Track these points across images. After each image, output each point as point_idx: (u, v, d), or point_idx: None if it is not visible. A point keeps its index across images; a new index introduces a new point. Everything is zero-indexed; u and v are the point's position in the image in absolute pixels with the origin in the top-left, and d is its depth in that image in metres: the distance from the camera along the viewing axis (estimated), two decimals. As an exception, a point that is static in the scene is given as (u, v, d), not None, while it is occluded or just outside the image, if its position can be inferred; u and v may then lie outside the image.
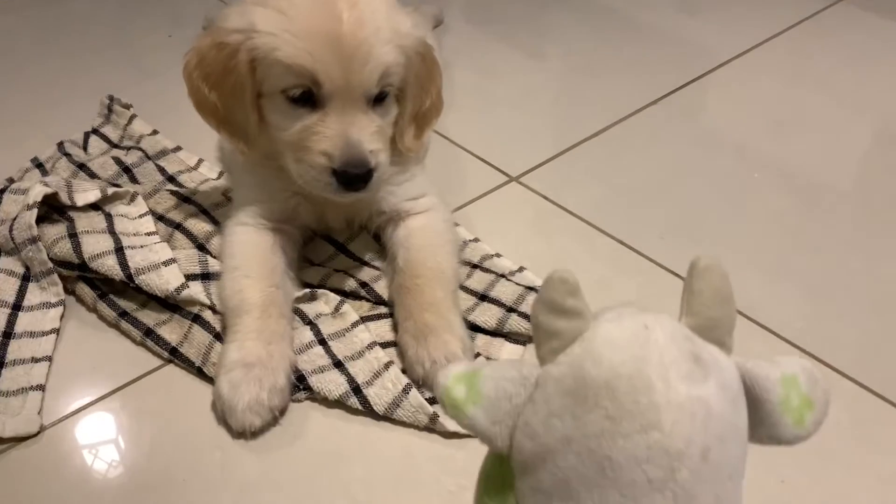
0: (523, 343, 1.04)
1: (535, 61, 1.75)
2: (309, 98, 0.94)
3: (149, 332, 1.02)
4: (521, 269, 1.14)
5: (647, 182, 1.36)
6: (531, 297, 1.06)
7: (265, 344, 0.94)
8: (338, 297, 1.06)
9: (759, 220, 1.28)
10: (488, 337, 1.04)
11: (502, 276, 1.11)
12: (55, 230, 1.08)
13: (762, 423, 0.58)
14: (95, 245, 1.06)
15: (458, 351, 0.95)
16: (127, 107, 1.41)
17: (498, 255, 1.17)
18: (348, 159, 0.94)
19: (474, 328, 1.04)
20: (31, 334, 1.02)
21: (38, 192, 1.08)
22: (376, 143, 0.96)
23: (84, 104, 1.46)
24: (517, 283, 1.09)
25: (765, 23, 1.85)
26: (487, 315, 1.04)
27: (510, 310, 1.05)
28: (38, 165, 1.29)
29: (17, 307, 1.04)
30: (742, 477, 0.56)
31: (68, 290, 1.09)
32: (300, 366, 0.97)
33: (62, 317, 1.06)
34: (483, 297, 1.07)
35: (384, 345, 1.01)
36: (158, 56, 1.70)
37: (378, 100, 0.98)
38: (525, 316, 1.03)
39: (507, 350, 1.02)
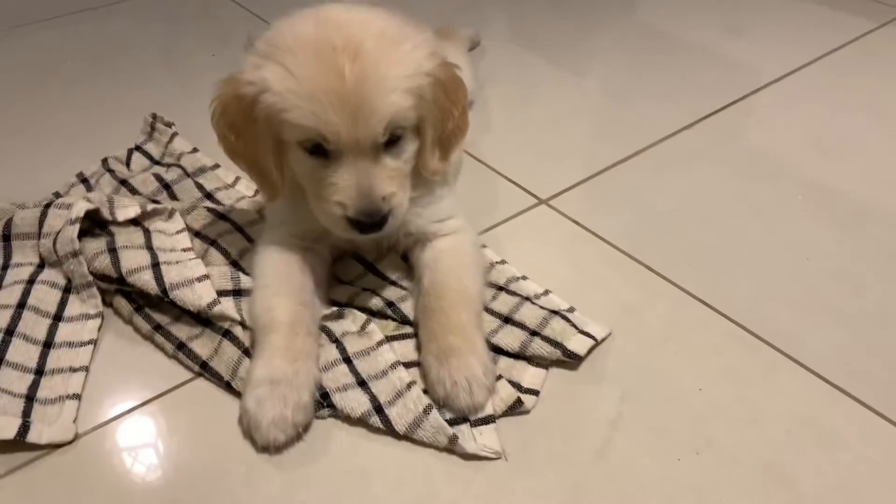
0: (546, 367, 1.04)
1: (574, 83, 1.76)
2: (323, 149, 0.97)
3: (181, 346, 1.05)
4: (546, 293, 1.14)
5: (679, 207, 1.35)
6: (555, 320, 1.07)
7: (291, 362, 0.96)
8: (364, 316, 1.08)
9: (795, 247, 1.26)
10: (511, 360, 1.04)
11: (527, 299, 1.12)
12: (96, 245, 1.12)
13: None
14: (133, 260, 1.09)
15: (480, 373, 0.96)
16: (169, 125, 1.45)
17: (524, 278, 1.17)
18: (361, 210, 0.96)
19: (497, 350, 1.05)
20: (70, 344, 1.06)
21: (80, 207, 1.13)
22: (390, 187, 0.98)
23: (129, 121, 1.52)
24: (542, 307, 1.10)
25: (811, 44, 1.84)
26: (511, 338, 1.05)
27: (534, 333, 1.05)
28: (84, 181, 1.34)
29: (57, 318, 1.09)
30: None
31: (107, 303, 1.13)
32: (325, 383, 0.99)
33: (100, 328, 1.10)
34: (507, 320, 1.08)
35: (408, 364, 1.02)
36: (202, 75, 1.75)
37: (391, 142, 0.99)
38: (548, 340, 1.04)
39: (530, 374, 1.03)
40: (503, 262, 1.20)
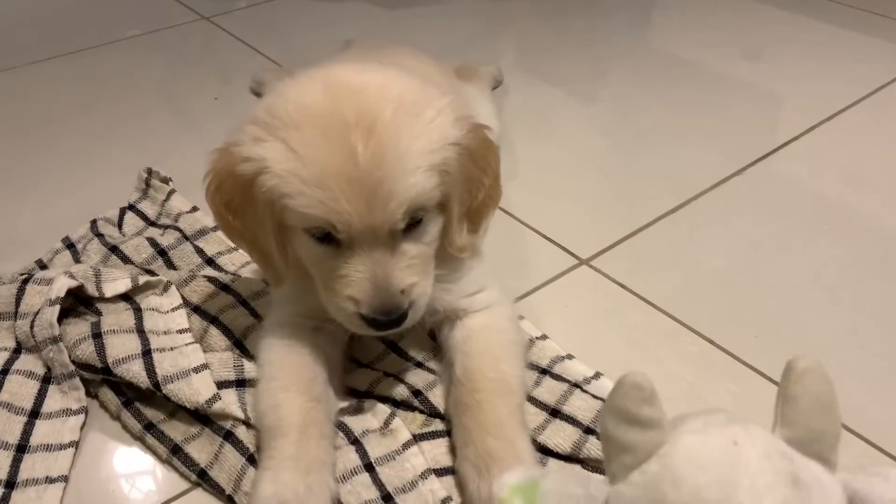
0: (603, 473, 0.89)
1: (601, 122, 1.62)
2: (332, 237, 0.83)
3: (176, 450, 0.90)
4: (597, 376, 0.99)
5: (735, 266, 1.20)
6: (610, 413, 0.92)
7: (303, 475, 0.81)
8: (387, 409, 0.93)
9: (870, 311, 1.11)
10: (562, 462, 0.90)
11: (576, 385, 0.97)
12: (78, 329, 0.98)
13: None
14: (121, 347, 0.95)
15: (528, 486, 0.81)
16: (166, 181, 1.32)
17: (569, 357, 1.03)
18: (376, 307, 0.82)
19: (545, 451, 0.90)
20: (48, 448, 0.92)
21: (61, 285, 0.99)
22: (411, 277, 0.84)
23: (122, 174, 1.38)
24: (594, 396, 0.95)
25: (862, 76, 1.69)
26: (561, 436, 0.90)
27: (588, 430, 0.90)
28: (69, 246, 1.20)
29: (34, 414, 0.94)
30: None
31: (91, 394, 0.98)
32: (343, 498, 0.84)
33: (83, 426, 0.95)
34: (555, 413, 0.93)
35: (440, 471, 0.87)
36: (203, 120, 1.63)
37: (411, 226, 0.85)
38: (604, 438, 0.89)
39: (584, 481, 0.87)
40: (544, 337, 1.05)
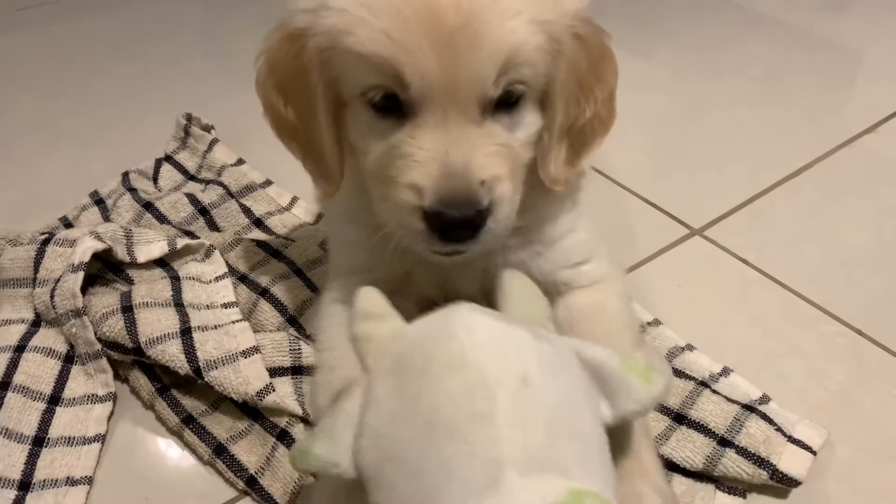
0: (743, 494, 0.71)
1: (706, 69, 1.41)
2: (398, 104, 0.64)
3: (220, 450, 0.75)
4: (725, 372, 0.82)
5: (884, 241, 1.00)
6: (752, 421, 0.74)
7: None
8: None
9: None
10: (690, 480, 0.72)
11: (703, 383, 0.79)
12: (105, 300, 0.83)
13: (616, 394, 0.57)
14: (156, 324, 0.80)
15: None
16: (208, 129, 1.16)
17: (690, 348, 0.84)
18: (445, 196, 0.62)
19: (671, 466, 0.73)
20: (70, 441, 0.77)
21: (85, 248, 0.83)
22: (494, 169, 0.63)
23: (158, 123, 1.23)
24: (727, 399, 0.77)
25: None
26: (690, 448, 0.73)
27: (724, 442, 0.73)
28: (98, 202, 1.05)
29: (54, 400, 0.80)
30: (593, 423, 0.54)
31: (121, 378, 0.83)
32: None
33: (111, 416, 0.80)
34: (680, 419, 0.76)
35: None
36: (246, 66, 1.44)
37: (504, 105, 0.65)
38: (746, 454, 0.71)
39: (724, 506, 0.70)
40: (657, 322, 0.88)
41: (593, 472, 0.51)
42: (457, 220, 0.62)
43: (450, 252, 0.67)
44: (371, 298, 0.61)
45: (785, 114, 1.26)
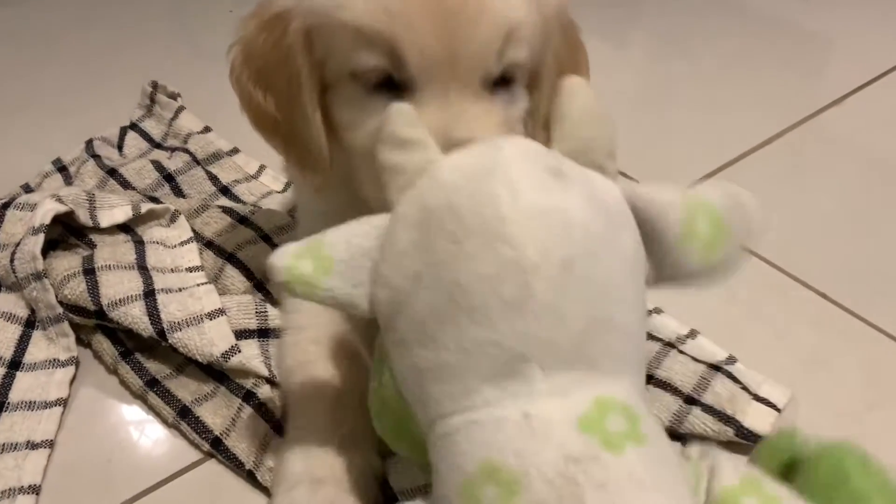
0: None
1: (677, 50, 1.41)
2: (392, 83, 0.62)
3: (185, 413, 0.74)
4: (692, 334, 0.82)
5: (843, 208, 1.02)
6: (718, 380, 0.75)
7: (341, 448, 0.64)
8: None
9: None
10: (657, 438, 0.73)
11: (670, 344, 0.80)
12: (67, 263, 0.82)
13: (666, 256, 0.52)
14: (119, 286, 0.78)
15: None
16: (174, 96, 1.14)
17: (658, 311, 0.85)
18: None
19: (638, 425, 0.73)
20: (31, 405, 0.76)
21: (46, 210, 0.82)
22: None
23: (123, 90, 1.21)
24: (694, 359, 0.78)
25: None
26: (656, 407, 0.74)
27: (690, 400, 0.73)
28: (61, 169, 1.03)
29: (14, 365, 0.78)
30: (633, 307, 0.50)
31: (83, 343, 0.82)
32: (391, 479, 0.67)
33: (73, 380, 0.79)
34: (647, 379, 0.76)
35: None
36: (216, 33, 1.41)
37: (503, 82, 0.64)
38: (712, 412, 0.72)
39: (690, 463, 0.70)
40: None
41: (625, 366, 0.48)
42: None
43: None
44: (406, 120, 0.53)
45: (752, 90, 1.27)
